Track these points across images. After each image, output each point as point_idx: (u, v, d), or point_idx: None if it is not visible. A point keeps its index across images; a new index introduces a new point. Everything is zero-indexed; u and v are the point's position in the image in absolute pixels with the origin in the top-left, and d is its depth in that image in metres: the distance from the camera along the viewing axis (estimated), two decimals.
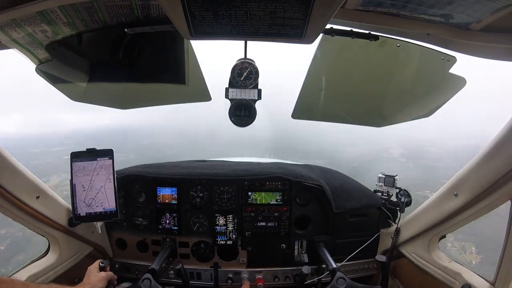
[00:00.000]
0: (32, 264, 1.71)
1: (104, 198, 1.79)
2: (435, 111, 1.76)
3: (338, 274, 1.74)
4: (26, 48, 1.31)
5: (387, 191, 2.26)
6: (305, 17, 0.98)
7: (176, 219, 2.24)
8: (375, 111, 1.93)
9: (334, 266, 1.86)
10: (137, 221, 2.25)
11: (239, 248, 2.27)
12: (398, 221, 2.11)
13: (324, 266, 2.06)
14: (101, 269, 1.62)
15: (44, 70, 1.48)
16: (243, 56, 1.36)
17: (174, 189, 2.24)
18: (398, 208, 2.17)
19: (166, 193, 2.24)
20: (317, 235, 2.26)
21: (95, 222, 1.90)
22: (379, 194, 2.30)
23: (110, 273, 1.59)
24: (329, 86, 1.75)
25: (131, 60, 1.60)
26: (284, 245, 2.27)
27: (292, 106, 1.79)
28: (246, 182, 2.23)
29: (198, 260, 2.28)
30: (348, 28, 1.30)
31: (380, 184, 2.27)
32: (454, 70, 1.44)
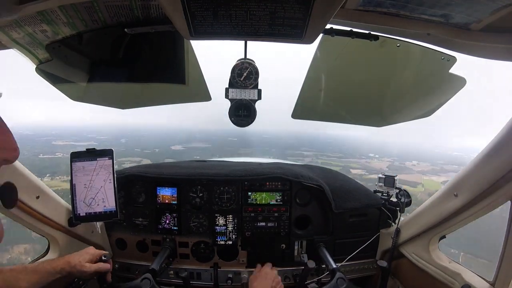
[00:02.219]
0: None
1: (104, 198, 1.79)
2: (435, 111, 1.76)
3: (338, 274, 1.74)
4: (26, 48, 1.31)
5: (387, 191, 2.26)
6: (305, 17, 0.98)
7: (176, 219, 2.24)
8: (375, 111, 1.93)
9: (334, 266, 1.86)
10: (137, 221, 2.25)
11: (239, 248, 2.27)
12: (398, 221, 2.11)
13: (324, 266, 2.06)
14: (103, 262, 1.62)
15: (44, 70, 1.48)
16: (243, 56, 1.36)
17: (174, 189, 2.24)
18: (398, 209, 2.17)
19: (166, 193, 2.24)
20: (317, 235, 2.26)
21: (95, 222, 1.90)
22: (379, 194, 2.30)
23: (102, 264, 1.58)
24: (329, 86, 1.75)
25: (131, 60, 1.60)
26: (284, 245, 2.27)
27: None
28: (246, 182, 2.23)
29: (198, 260, 2.28)
30: (348, 28, 1.30)
31: (380, 184, 2.27)
32: (454, 70, 1.45)
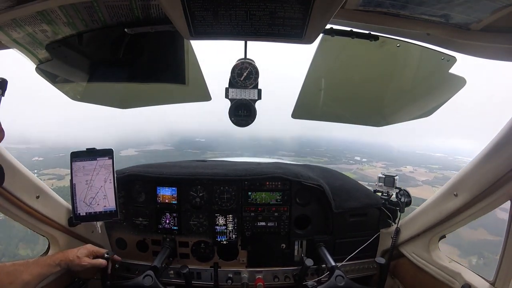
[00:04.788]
0: None
1: (104, 197, 1.80)
2: (435, 111, 1.76)
3: (337, 272, 1.74)
4: (26, 48, 1.31)
5: (387, 191, 2.26)
6: (305, 17, 0.98)
7: (176, 219, 2.24)
8: (375, 111, 1.94)
9: (333, 264, 1.86)
10: (137, 221, 2.25)
11: (239, 248, 2.27)
12: (398, 221, 2.11)
13: (324, 266, 2.06)
14: (106, 259, 1.66)
15: (44, 70, 1.48)
16: (243, 56, 1.36)
17: (174, 189, 2.24)
18: (398, 208, 2.17)
19: (166, 193, 2.24)
20: (317, 235, 2.26)
21: (95, 222, 1.90)
22: (379, 194, 2.30)
23: (100, 260, 1.62)
24: (329, 86, 1.75)
25: (131, 60, 1.61)
26: (284, 245, 2.27)
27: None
28: (246, 182, 2.23)
29: (198, 260, 2.28)
30: (348, 28, 1.30)
31: (380, 184, 2.27)
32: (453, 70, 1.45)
